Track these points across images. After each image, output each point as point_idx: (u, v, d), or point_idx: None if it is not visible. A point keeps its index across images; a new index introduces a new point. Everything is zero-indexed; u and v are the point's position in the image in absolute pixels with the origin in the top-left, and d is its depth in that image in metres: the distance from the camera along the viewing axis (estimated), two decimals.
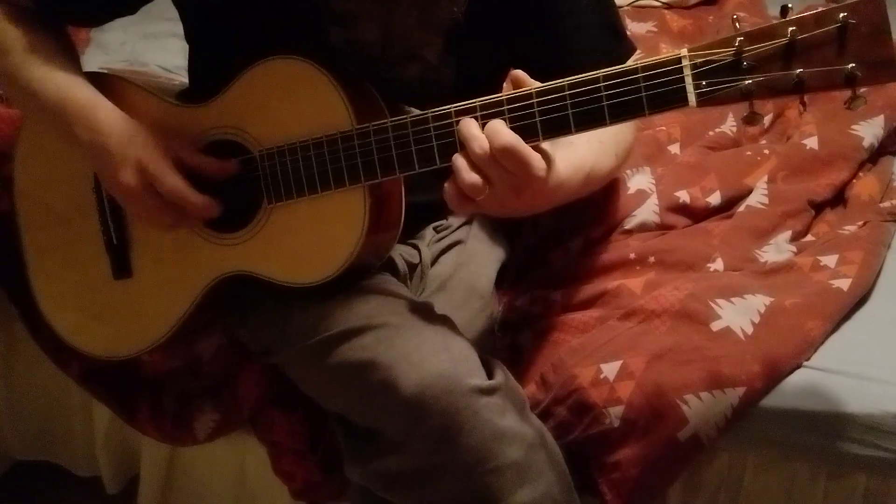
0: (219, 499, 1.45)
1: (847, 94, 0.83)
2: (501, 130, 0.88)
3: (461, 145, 0.90)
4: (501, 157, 0.87)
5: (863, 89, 0.82)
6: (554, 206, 0.98)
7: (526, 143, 0.89)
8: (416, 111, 0.95)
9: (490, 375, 1.02)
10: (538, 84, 0.90)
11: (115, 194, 1.07)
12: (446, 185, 0.91)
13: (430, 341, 1.01)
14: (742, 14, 1.92)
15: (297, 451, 1.26)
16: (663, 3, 2.01)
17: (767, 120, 1.57)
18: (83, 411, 1.51)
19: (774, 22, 0.83)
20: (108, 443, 1.49)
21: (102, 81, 1.10)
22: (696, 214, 1.38)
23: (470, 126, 0.89)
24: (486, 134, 0.88)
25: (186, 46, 1.20)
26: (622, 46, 1.13)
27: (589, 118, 0.89)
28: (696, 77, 0.85)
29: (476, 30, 1.03)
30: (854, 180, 1.43)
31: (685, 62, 0.85)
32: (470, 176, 0.88)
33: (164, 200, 1.02)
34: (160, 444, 1.39)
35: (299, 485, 1.27)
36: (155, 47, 1.84)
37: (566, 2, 1.09)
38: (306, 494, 1.28)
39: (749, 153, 1.47)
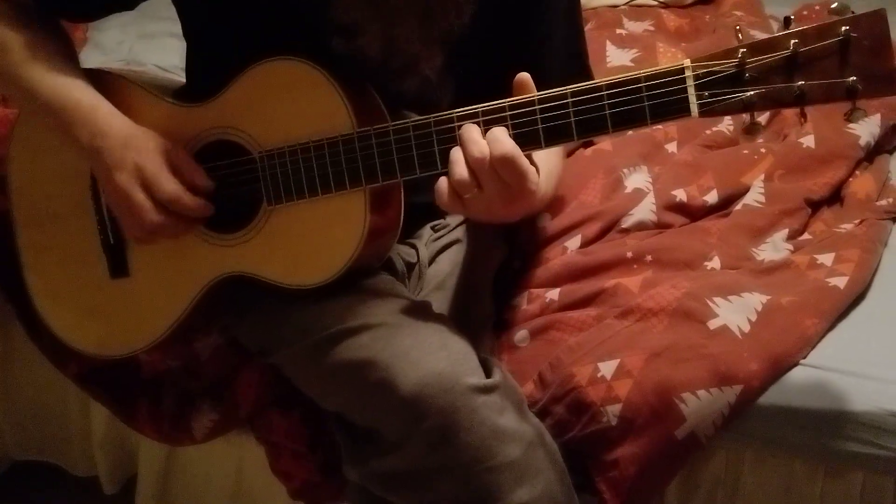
0: (216, 498, 1.45)
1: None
2: (502, 139, 0.88)
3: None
4: (499, 166, 0.88)
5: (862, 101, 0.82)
6: (522, 217, 0.99)
7: (528, 150, 0.89)
8: (418, 116, 0.96)
9: (488, 374, 1.02)
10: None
11: (108, 196, 1.07)
12: (439, 181, 0.91)
13: (427, 340, 1.01)
14: (739, 13, 1.93)
15: (296, 451, 1.26)
16: (660, 2, 2.02)
17: (764, 119, 1.57)
18: (81, 411, 1.51)
19: (777, 34, 0.84)
20: (106, 443, 1.49)
21: (100, 79, 1.09)
22: (693, 213, 1.38)
23: (471, 130, 0.90)
24: (487, 140, 0.88)
25: (184, 46, 1.20)
26: (583, 77, 1.15)
27: (591, 126, 0.89)
28: (698, 88, 0.85)
29: (474, 49, 1.04)
30: (851, 179, 1.43)
31: (688, 73, 0.85)
32: (463, 171, 0.88)
33: (156, 204, 1.02)
34: (158, 444, 1.39)
35: (297, 485, 1.27)
36: (152, 47, 1.83)
37: (544, 27, 1.11)
38: (304, 495, 1.28)
39: (746, 152, 1.47)
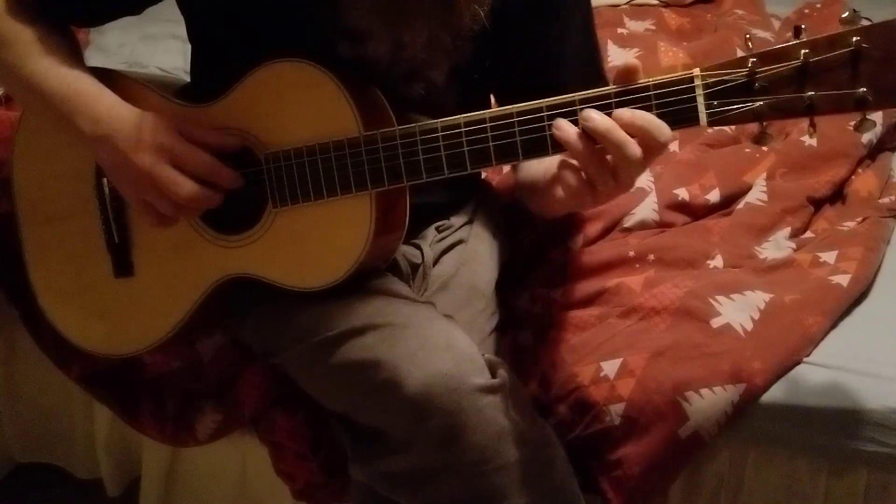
0: (220, 500, 1.45)
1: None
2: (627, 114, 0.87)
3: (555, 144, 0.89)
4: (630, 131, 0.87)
5: (872, 114, 0.82)
6: None
7: (534, 157, 0.90)
8: (425, 119, 0.95)
9: (493, 374, 1.02)
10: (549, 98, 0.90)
11: (122, 183, 1.05)
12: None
13: (433, 340, 1.01)
14: (741, 12, 1.93)
15: (299, 452, 1.26)
16: (661, 1, 2.02)
17: None
18: (84, 413, 1.51)
19: (788, 43, 0.83)
20: (110, 444, 1.49)
21: (107, 77, 1.09)
22: (695, 212, 1.39)
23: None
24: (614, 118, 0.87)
25: (186, 48, 1.20)
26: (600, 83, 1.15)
27: None
28: (707, 97, 0.85)
29: (483, 56, 1.04)
30: (853, 177, 1.43)
31: (697, 81, 0.85)
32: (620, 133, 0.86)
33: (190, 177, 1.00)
34: (161, 445, 1.39)
35: (301, 486, 1.28)
36: (154, 49, 1.83)
37: (558, 37, 1.09)
38: (308, 495, 1.28)
39: (748, 150, 1.47)
